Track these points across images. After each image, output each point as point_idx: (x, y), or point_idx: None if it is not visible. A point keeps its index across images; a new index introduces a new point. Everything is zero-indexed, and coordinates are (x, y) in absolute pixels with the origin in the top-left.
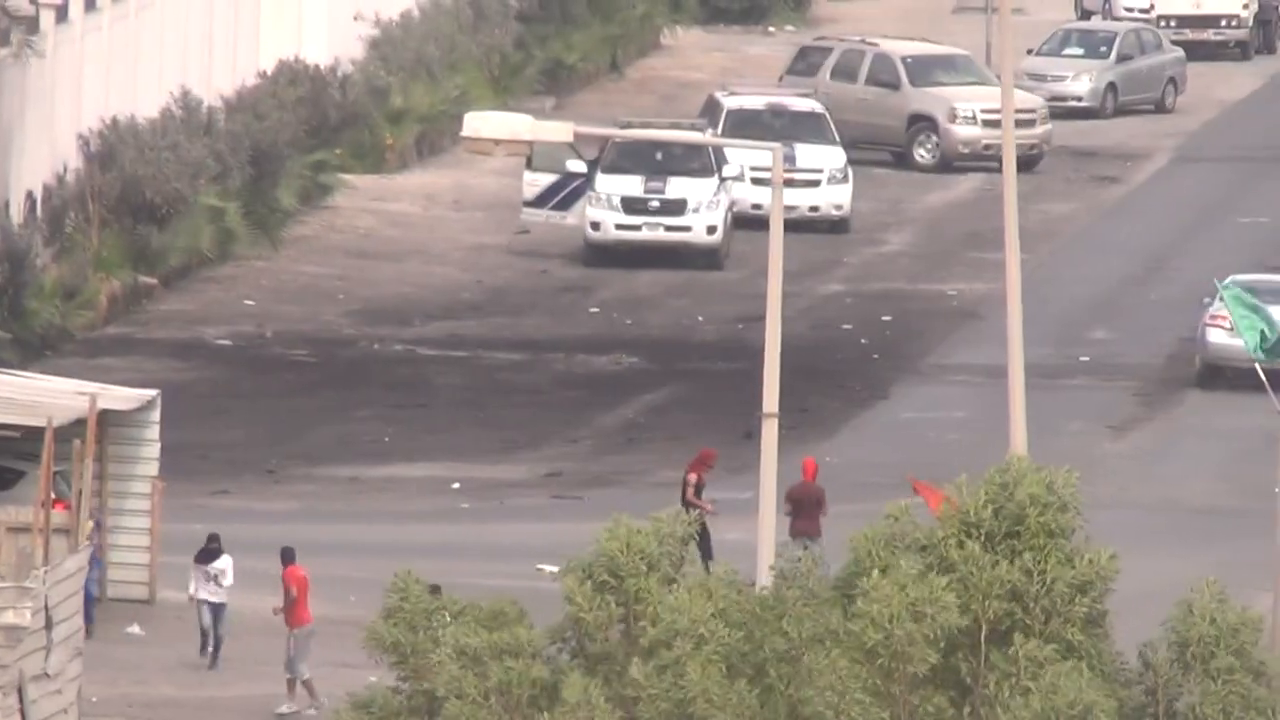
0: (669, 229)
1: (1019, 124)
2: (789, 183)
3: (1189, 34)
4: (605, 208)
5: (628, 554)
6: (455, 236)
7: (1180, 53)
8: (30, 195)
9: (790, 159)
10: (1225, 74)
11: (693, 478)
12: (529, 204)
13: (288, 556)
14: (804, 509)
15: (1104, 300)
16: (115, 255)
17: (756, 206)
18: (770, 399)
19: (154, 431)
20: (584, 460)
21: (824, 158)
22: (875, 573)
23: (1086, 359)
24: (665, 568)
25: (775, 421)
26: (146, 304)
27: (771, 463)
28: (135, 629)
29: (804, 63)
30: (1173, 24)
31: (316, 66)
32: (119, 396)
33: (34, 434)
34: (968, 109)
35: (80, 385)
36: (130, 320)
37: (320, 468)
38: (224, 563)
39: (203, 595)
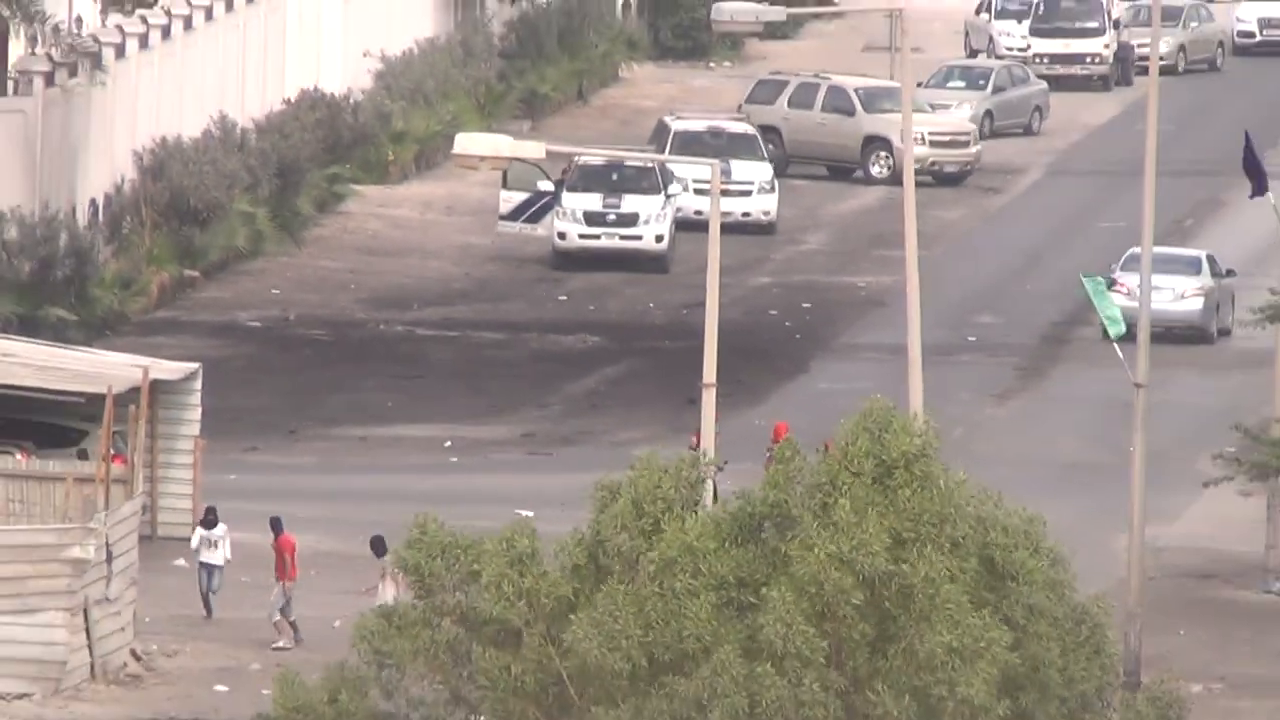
0: (624, 238)
1: (957, 144)
2: (725, 193)
3: (1059, 69)
4: (570, 220)
5: (650, 496)
6: (447, 237)
7: (1044, 85)
8: (93, 202)
9: (726, 173)
10: (1089, 102)
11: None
12: (504, 217)
13: (277, 526)
14: None
15: (988, 290)
16: (164, 252)
17: (698, 213)
18: (709, 371)
19: (196, 398)
20: (554, 422)
21: (755, 172)
22: (807, 516)
23: (974, 339)
24: (678, 505)
25: (714, 390)
26: (190, 292)
27: (710, 424)
28: (181, 562)
29: (761, 92)
30: (1045, 60)
31: (332, 95)
32: (167, 369)
33: (96, 400)
34: (916, 131)
35: (135, 359)
36: (177, 306)
37: (334, 428)
38: (221, 530)
39: (204, 558)
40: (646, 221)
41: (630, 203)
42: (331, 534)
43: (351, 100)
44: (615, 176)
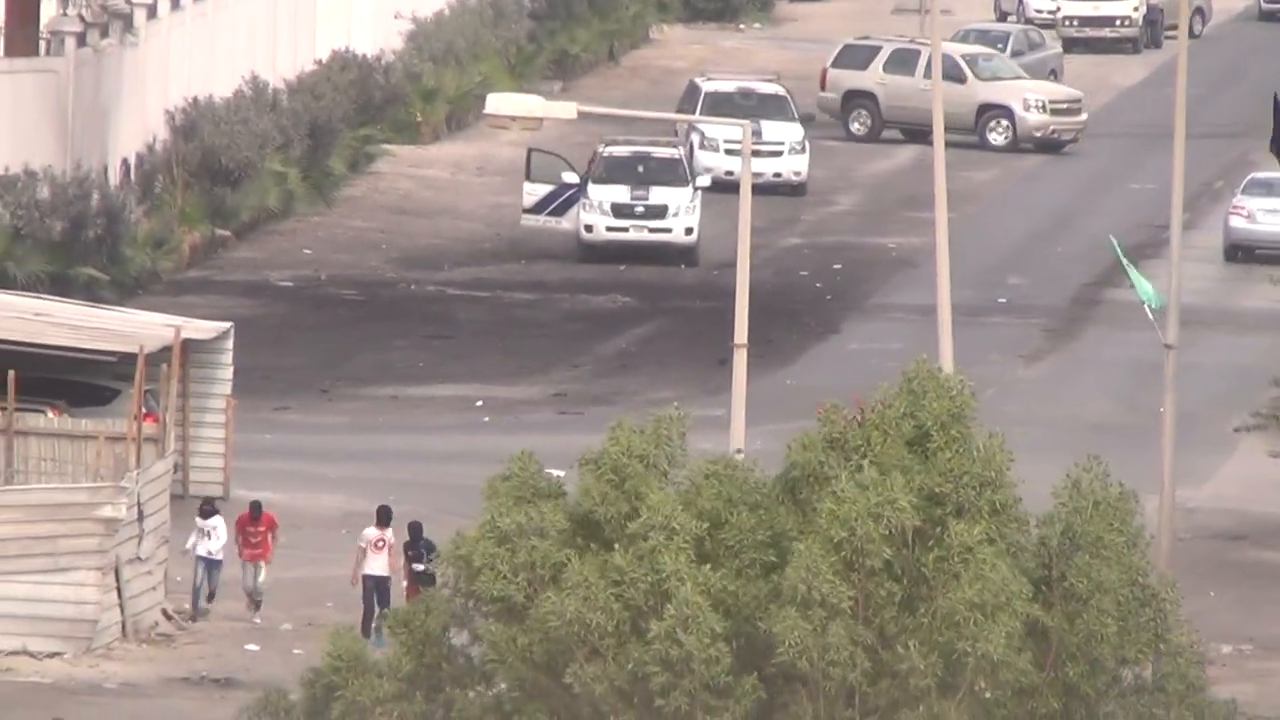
0: (652, 231)
1: (1069, 111)
2: (756, 153)
3: (1089, 31)
4: (597, 213)
5: (629, 456)
6: (478, 197)
7: (1059, 49)
8: (125, 162)
9: (757, 134)
10: (1119, 65)
11: None
12: (528, 211)
13: (258, 509)
14: None
15: (1018, 251)
16: (196, 211)
17: (729, 173)
18: (740, 332)
19: (228, 357)
20: (585, 382)
21: (786, 132)
22: (843, 475)
23: (1003, 300)
24: (662, 464)
25: (745, 351)
26: (222, 252)
27: (741, 384)
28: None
29: (850, 57)
30: (1075, 23)
31: (364, 55)
32: (199, 328)
33: (128, 359)
34: (1036, 99)
35: (167, 319)
36: (208, 265)
37: (365, 388)
38: (216, 521)
39: (200, 550)
40: (675, 214)
41: (658, 194)
42: (362, 494)
43: (383, 61)
44: (641, 168)
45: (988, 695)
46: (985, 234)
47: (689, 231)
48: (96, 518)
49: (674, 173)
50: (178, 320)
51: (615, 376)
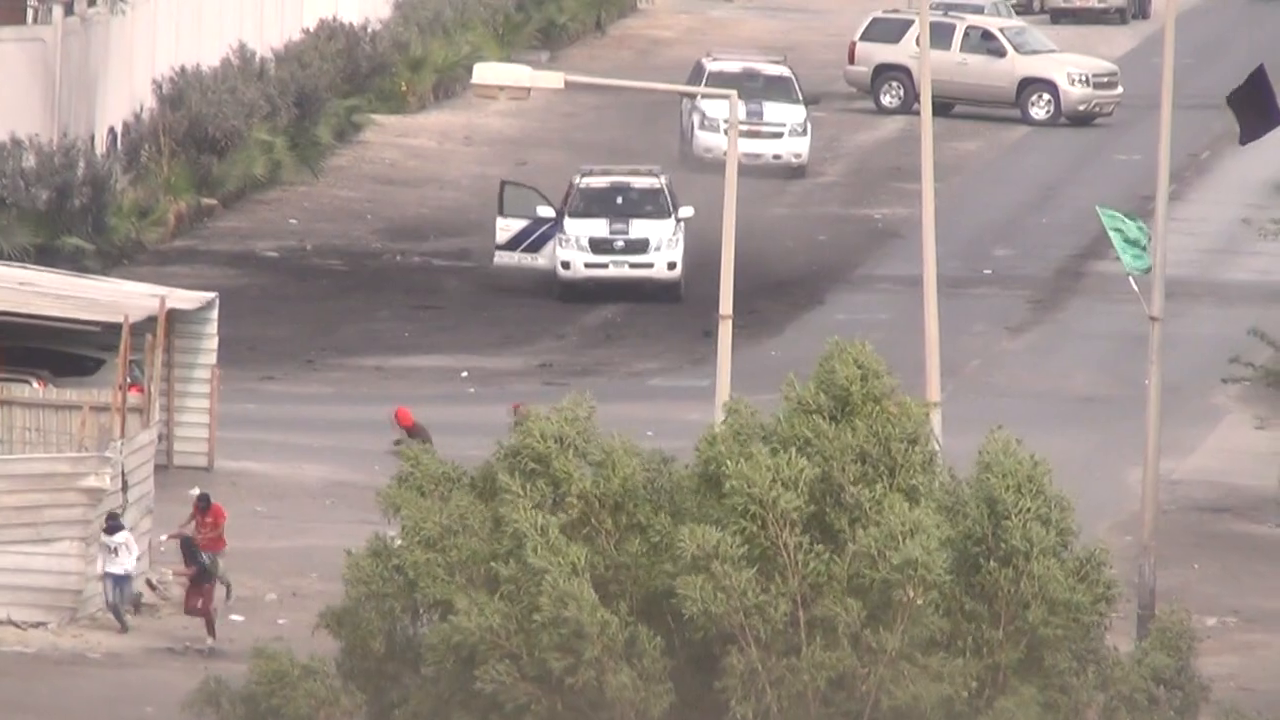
0: (634, 266)
1: (1109, 85)
2: (756, 134)
3: (1077, 2)
4: (574, 248)
5: (543, 441)
6: (465, 167)
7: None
8: (112, 130)
9: (758, 114)
10: (1106, 35)
11: None
12: (501, 247)
13: (205, 501)
14: None
15: (1004, 223)
16: (182, 181)
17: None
18: (725, 303)
19: (213, 328)
20: (571, 353)
21: (787, 114)
22: (729, 462)
23: (989, 272)
24: (579, 443)
25: (730, 322)
26: (208, 222)
27: (726, 355)
28: (196, 491)
29: (880, 30)
30: None
31: (351, 24)
32: (184, 298)
33: (113, 329)
34: (1079, 73)
35: (152, 289)
36: (194, 235)
37: (350, 358)
38: (121, 537)
39: (108, 568)
40: (658, 248)
41: (639, 228)
42: (347, 464)
43: (370, 30)
44: (620, 200)
45: (919, 603)
46: (971, 205)
47: (672, 266)
48: (80, 488)
49: (655, 204)
50: (162, 290)
51: (600, 347)
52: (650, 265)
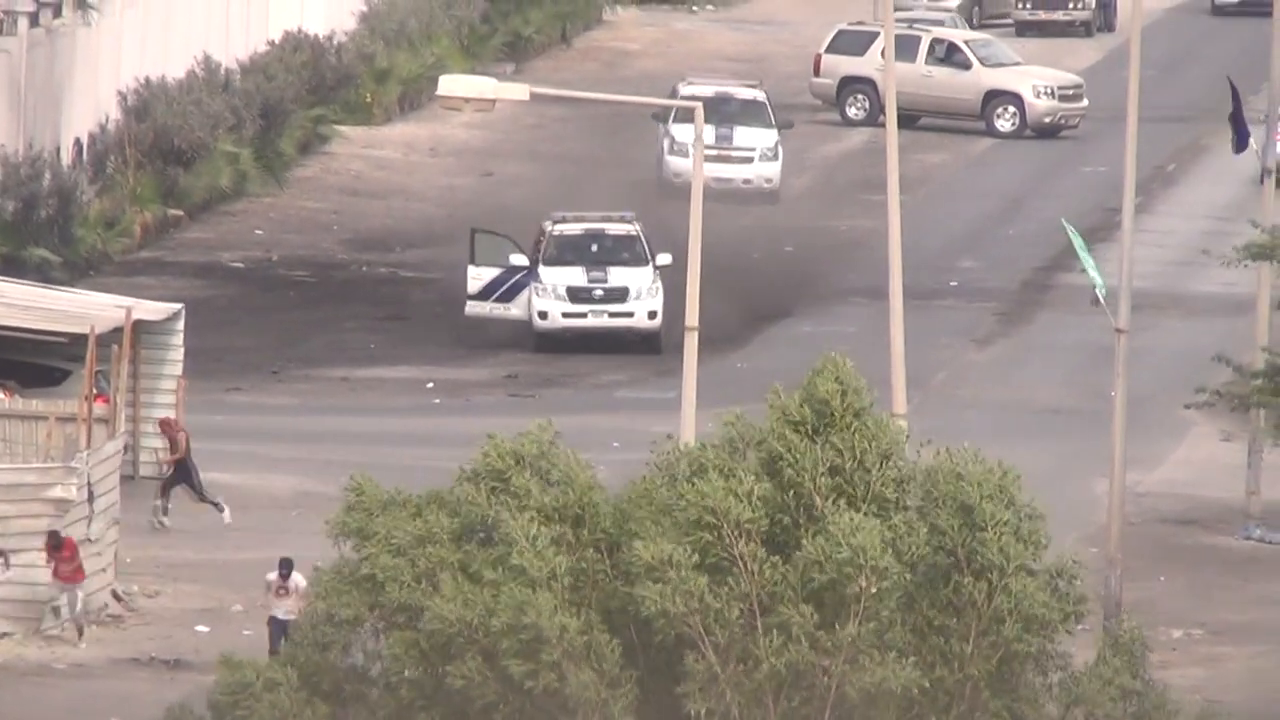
0: (613, 315)
1: (1074, 97)
2: (726, 159)
3: (1042, 14)
4: (551, 298)
5: (502, 459)
6: (431, 178)
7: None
8: (78, 141)
9: (728, 138)
10: (1072, 48)
11: None
12: (473, 297)
13: (56, 538)
14: None
15: (970, 235)
16: (148, 192)
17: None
18: (692, 315)
19: (179, 338)
20: (537, 365)
21: (758, 138)
22: (684, 482)
23: (955, 284)
24: (539, 463)
25: (696, 333)
26: (174, 233)
27: (692, 367)
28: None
29: (846, 43)
30: (1029, 5)
31: (316, 36)
32: (150, 309)
33: (79, 340)
34: (1044, 86)
35: (118, 299)
36: (160, 246)
37: (316, 369)
38: None
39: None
40: (637, 296)
41: (617, 275)
42: (313, 475)
43: (335, 42)
44: (595, 247)
45: (873, 590)
46: (937, 218)
47: (653, 315)
48: (47, 498)
49: (631, 251)
50: (129, 301)
51: (567, 359)
52: (630, 314)
